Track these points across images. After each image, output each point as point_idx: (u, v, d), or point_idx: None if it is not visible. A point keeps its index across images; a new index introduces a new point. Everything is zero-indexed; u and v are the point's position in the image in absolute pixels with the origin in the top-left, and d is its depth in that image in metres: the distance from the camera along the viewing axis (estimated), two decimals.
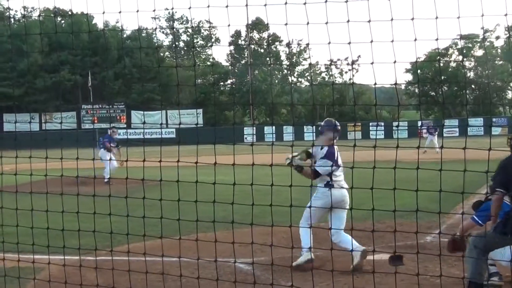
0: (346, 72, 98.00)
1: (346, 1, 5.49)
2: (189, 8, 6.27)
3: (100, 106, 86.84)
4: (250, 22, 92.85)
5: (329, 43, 5.66)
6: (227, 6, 6.13)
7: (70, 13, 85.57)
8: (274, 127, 77.98)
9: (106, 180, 21.59)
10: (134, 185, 8.23)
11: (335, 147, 8.96)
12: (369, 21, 5.41)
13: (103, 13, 6.66)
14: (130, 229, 6.36)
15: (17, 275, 7.36)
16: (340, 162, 8.85)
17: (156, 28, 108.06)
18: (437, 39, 5.62)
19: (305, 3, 5.65)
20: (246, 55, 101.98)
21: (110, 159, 22.87)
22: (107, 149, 25.26)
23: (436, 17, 5.23)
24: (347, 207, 8.75)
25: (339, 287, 7.38)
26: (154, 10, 6.33)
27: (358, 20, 5.41)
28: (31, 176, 6.84)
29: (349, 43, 5.54)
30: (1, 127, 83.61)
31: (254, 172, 5.74)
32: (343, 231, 8.68)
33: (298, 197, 6.14)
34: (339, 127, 9.41)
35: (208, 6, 6.19)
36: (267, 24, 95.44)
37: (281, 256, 8.22)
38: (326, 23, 5.55)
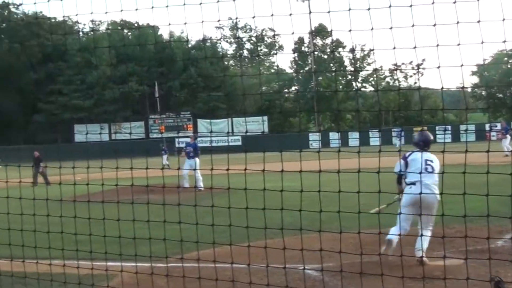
0: (411, 76, 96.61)
1: (411, 6, 5.43)
2: (253, 17, 6.29)
3: (167, 115, 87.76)
4: (313, 28, 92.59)
5: (394, 48, 5.60)
6: (290, 14, 6.13)
7: (136, 25, 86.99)
8: (339, 133, 77.58)
9: (184, 186, 21.69)
10: (202, 192, 8.28)
11: (419, 153, 9.36)
12: (435, 25, 5.34)
13: (169, 24, 6.73)
14: (199, 236, 6.41)
15: (91, 282, 7.49)
16: (419, 167, 8.88)
17: (220, 38, 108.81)
18: (504, 41, 5.51)
19: (368, 9, 5.61)
20: (309, 62, 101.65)
21: (180, 167, 23.12)
22: (188, 156, 25.24)
23: (503, 19, 5.13)
24: (432, 210, 9.01)
25: None
26: (218, 20, 6.39)
27: (423, 25, 5.34)
28: (102, 186, 6.95)
29: (415, 47, 5.47)
30: (73, 138, 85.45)
31: (321, 178, 5.73)
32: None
33: (366, 202, 6.08)
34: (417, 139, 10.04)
35: (272, 15, 6.19)
36: (331, 30, 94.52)
37: (350, 261, 8.14)
38: (391, 28, 5.50)
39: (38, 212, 6.96)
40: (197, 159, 24.90)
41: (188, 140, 28.06)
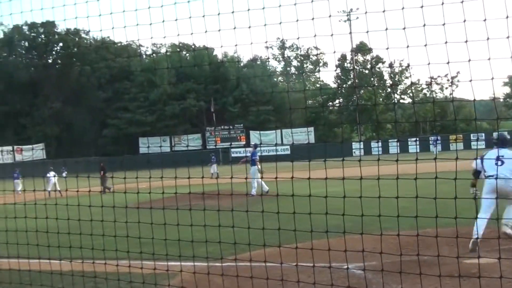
0: (446, 88, 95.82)
1: (443, 24, 5.36)
2: (297, 38, 6.26)
3: (222, 128, 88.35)
4: (354, 46, 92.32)
5: (429, 63, 5.52)
6: (332, 35, 6.09)
7: (193, 47, 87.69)
8: (380, 142, 77.24)
9: (252, 194, 21.72)
10: (254, 198, 8.25)
11: (493, 150, 10.53)
12: (466, 41, 5.26)
13: (221, 46, 6.77)
14: (251, 239, 6.39)
15: (154, 281, 7.54)
16: (492, 162, 9.96)
17: (268, 58, 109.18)
18: None
19: (404, 28, 5.53)
20: (351, 77, 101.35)
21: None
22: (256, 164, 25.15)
23: None
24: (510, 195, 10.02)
25: None
26: (266, 42, 6.37)
27: (456, 41, 5.26)
28: (163, 194, 6.99)
29: (448, 62, 5.38)
30: (137, 150, 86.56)
31: (363, 183, 5.68)
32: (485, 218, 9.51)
33: (406, 205, 5.98)
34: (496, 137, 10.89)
35: (315, 36, 6.16)
36: (370, 48, 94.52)
37: (391, 261, 8.03)
38: (425, 45, 5.43)
39: (106, 218, 7.04)
40: (253, 167, 24.86)
41: (250, 149, 28.05)
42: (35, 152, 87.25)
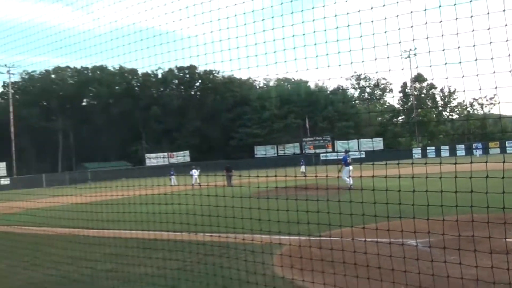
0: (485, 106, 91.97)
1: (492, 58, 5.00)
2: (363, 74, 6.05)
3: (314, 138, 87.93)
4: (413, 76, 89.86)
5: (463, 90, 5.18)
6: (389, 70, 5.85)
7: (293, 80, 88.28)
8: (434, 147, 75.06)
9: (350, 187, 21.41)
10: (341, 190, 8.02)
11: None
12: (494, 72, 4.92)
13: (318, 80, 6.67)
14: (341, 221, 6.21)
15: (270, 250, 7.51)
16: None
17: (347, 88, 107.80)
18: None
19: (460, 62, 5.22)
20: (411, 99, 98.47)
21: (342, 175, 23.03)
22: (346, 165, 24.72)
23: None
24: None
25: None
26: (340, 76, 6.22)
27: (502, 71, 4.90)
28: (267, 187, 6.94)
29: (480, 89, 5.05)
30: (253, 155, 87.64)
31: (424, 180, 5.39)
32: None
33: (462, 197, 5.61)
34: None
35: (377, 72, 5.95)
36: (426, 78, 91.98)
37: (451, 237, 7.58)
38: (477, 75, 5.10)
39: (235, 204, 7.06)
40: (346, 167, 24.50)
41: (342, 155, 27.60)
42: (182, 157, 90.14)
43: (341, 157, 26.21)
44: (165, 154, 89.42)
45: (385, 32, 5.52)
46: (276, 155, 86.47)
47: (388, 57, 5.64)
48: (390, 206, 5.88)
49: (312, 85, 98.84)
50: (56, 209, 9.56)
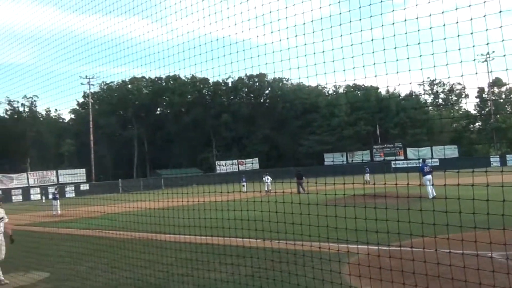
0: None
1: None
2: (437, 79, 5.91)
3: (385, 145, 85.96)
4: (491, 81, 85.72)
5: None
6: (462, 75, 5.68)
7: (363, 86, 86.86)
8: None
9: (431, 197, 20.76)
10: (412, 199, 7.84)
11: None
12: None
13: (387, 86, 6.61)
14: (412, 230, 6.09)
15: (337, 258, 7.46)
16: None
17: (420, 94, 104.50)
18: None
19: None
20: (488, 104, 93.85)
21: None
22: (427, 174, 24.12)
23: None
24: None
25: None
26: (415, 82, 6.11)
27: None
28: (335, 195, 6.92)
29: None
30: (323, 162, 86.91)
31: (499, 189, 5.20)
32: None
33: None
34: None
35: (449, 77, 5.79)
36: (506, 82, 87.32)
37: None
38: None
39: (298, 211, 7.10)
40: (425, 176, 23.60)
41: (415, 162, 26.92)
42: (252, 164, 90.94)
43: (419, 166, 25.39)
44: (235, 161, 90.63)
45: (458, 36, 5.41)
46: (345, 162, 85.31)
47: (461, 62, 5.52)
48: (463, 216, 5.71)
49: (383, 91, 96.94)
50: (132, 213, 10.00)
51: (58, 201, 32.68)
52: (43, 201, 55.49)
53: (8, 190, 66.90)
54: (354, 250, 7.25)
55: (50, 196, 33.07)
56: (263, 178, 39.88)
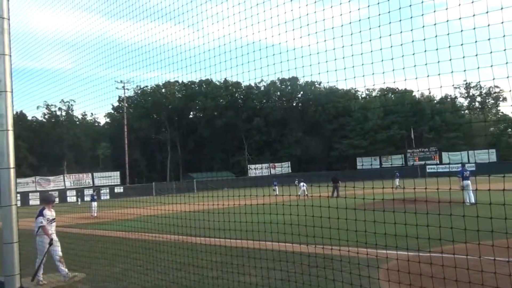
0: None
1: None
2: (473, 82, 5.67)
3: (419, 149, 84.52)
4: None
5: None
6: (507, 77, 5.43)
7: (396, 90, 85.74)
8: None
9: (470, 203, 20.36)
10: (453, 204, 7.58)
11: None
12: None
13: (417, 90, 6.37)
14: (454, 235, 5.86)
15: (376, 264, 7.28)
16: None
17: (456, 97, 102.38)
18: None
19: None
20: None
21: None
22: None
23: None
24: None
25: None
26: (451, 85, 5.89)
27: None
28: (373, 199, 6.73)
29: None
30: (355, 166, 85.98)
31: None
32: None
33: None
34: None
35: (493, 79, 5.54)
36: None
37: None
38: None
39: (333, 215, 6.95)
40: (465, 181, 23.04)
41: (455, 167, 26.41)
42: (284, 168, 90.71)
43: (459, 170, 24.76)
44: (267, 164, 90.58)
45: (503, 36, 5.18)
46: (379, 166, 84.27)
47: (506, 63, 5.28)
48: (509, 222, 5.46)
49: (417, 94, 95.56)
50: (165, 216, 10.03)
51: (95, 203, 33.39)
52: (79, 203, 56.64)
53: (45, 192, 68.62)
54: (393, 256, 7.05)
55: (88, 198, 33.91)
56: (299, 184, 39.63)
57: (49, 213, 11.45)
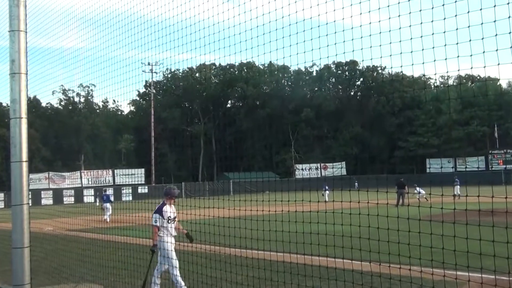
0: None
1: None
2: None
3: (505, 150, 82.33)
4: None
5: None
6: None
7: (478, 78, 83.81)
8: None
9: None
10: None
11: None
12: None
13: (503, 79, 6.28)
14: None
15: (443, 287, 7.22)
16: None
17: None
18: None
19: None
20: None
21: None
22: None
23: None
24: None
25: None
26: None
27: None
28: (442, 208, 6.69)
29: None
30: (424, 169, 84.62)
31: None
32: None
33: None
34: None
35: None
36: None
37: None
38: None
39: (400, 227, 6.93)
40: None
41: None
42: (338, 169, 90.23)
43: None
44: (317, 164, 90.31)
45: None
46: (454, 170, 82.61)
47: None
48: None
49: (503, 83, 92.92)
50: (195, 222, 10.21)
51: (108, 204, 33.19)
52: (97, 203, 57.93)
53: (60, 190, 70.61)
54: (464, 278, 6.98)
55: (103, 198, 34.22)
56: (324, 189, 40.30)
57: (169, 210, 11.03)
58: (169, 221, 10.85)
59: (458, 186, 42.53)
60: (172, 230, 10.88)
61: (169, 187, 11.68)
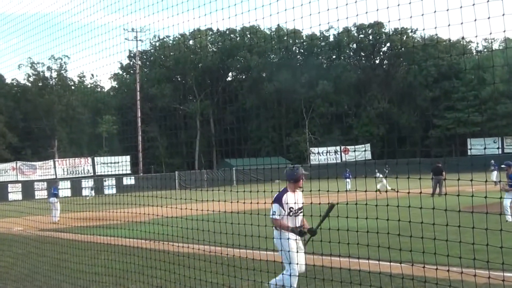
0: None
1: None
2: None
3: None
4: None
5: None
6: None
7: None
8: None
9: None
10: None
11: None
12: None
13: None
14: None
15: None
16: None
17: None
18: None
19: None
20: None
21: None
22: None
23: None
24: None
25: None
26: None
27: None
28: (485, 197, 6.69)
29: None
30: (465, 151, 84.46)
31: None
32: None
33: None
34: None
35: None
36: None
37: None
38: None
39: (437, 221, 6.95)
40: None
41: None
42: (361, 152, 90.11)
43: None
44: (337, 148, 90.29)
45: None
46: (500, 151, 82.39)
47: None
48: None
49: None
50: (193, 218, 10.26)
51: (55, 199, 31.70)
52: (89, 196, 57.54)
53: (30, 183, 70.70)
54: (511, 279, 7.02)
55: (87, 192, 33.48)
56: (378, 175, 39.74)
57: (292, 199, 9.82)
58: (291, 214, 9.68)
59: (495, 172, 42.15)
60: (297, 225, 9.63)
61: (291, 167, 10.72)
